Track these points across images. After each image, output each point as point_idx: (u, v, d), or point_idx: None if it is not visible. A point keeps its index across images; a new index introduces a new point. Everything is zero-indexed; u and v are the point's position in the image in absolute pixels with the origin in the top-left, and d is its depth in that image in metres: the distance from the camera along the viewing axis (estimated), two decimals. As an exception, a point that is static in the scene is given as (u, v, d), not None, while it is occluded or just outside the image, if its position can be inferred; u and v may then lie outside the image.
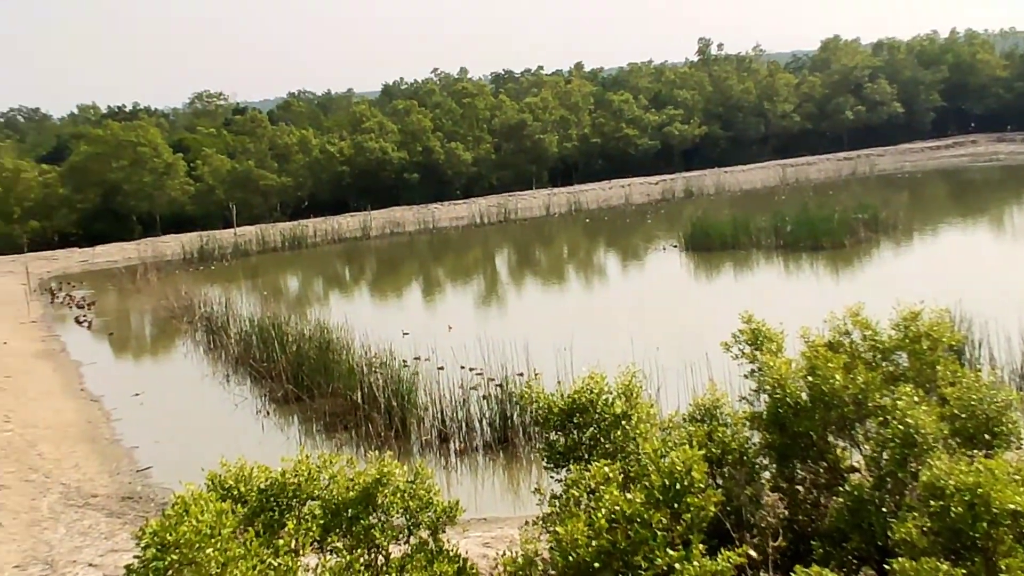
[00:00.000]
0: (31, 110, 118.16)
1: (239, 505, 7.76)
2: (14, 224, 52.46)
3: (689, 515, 8.08)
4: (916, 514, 8.38)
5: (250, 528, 7.62)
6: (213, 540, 7.01)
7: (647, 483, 8.13)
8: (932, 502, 8.20)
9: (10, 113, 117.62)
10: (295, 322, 29.37)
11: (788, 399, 9.29)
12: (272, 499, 7.84)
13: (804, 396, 9.30)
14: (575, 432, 9.42)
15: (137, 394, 25.75)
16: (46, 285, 46.19)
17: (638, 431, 9.13)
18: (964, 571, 7.80)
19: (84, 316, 37.67)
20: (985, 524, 7.96)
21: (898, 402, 8.68)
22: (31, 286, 44.28)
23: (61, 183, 55.20)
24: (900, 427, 8.53)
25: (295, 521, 7.70)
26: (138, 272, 47.33)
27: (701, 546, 7.88)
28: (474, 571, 8.27)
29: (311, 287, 48.77)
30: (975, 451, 8.74)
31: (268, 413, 23.67)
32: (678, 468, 8.22)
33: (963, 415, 8.90)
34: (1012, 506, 7.70)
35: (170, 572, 6.98)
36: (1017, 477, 8.22)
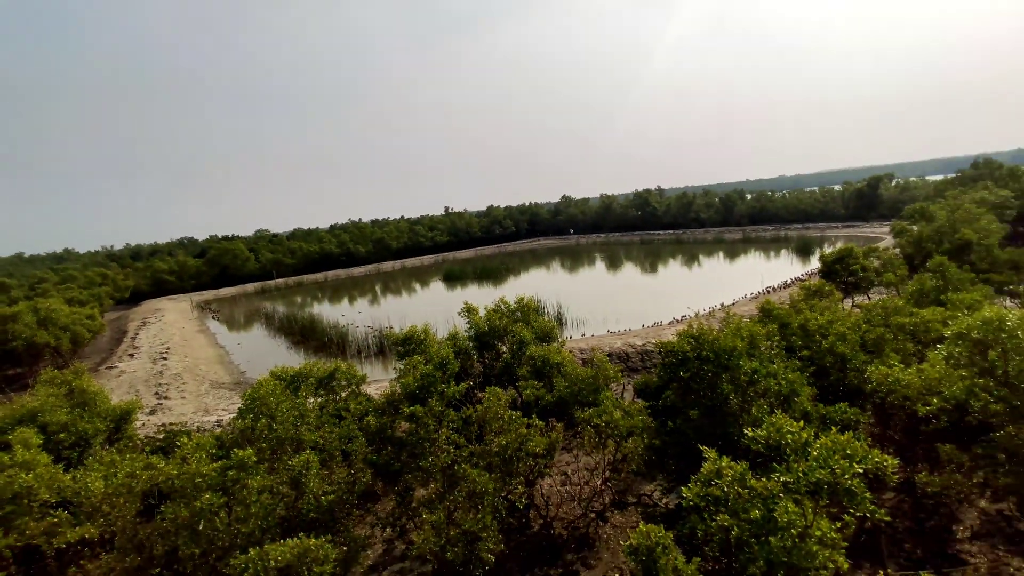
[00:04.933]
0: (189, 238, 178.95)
1: (281, 382, 13.32)
2: (184, 282, 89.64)
3: (452, 368, 14.97)
4: (527, 367, 16.22)
5: (288, 389, 13.20)
6: (272, 396, 12.65)
7: (434, 362, 15.00)
8: (531, 361, 16.13)
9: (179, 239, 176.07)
10: (301, 311, 52.65)
11: (481, 327, 17.01)
12: (296, 378, 13.44)
13: (485, 325, 17.01)
14: (404, 345, 15.98)
15: (239, 344, 41.48)
16: (199, 304, 73.53)
17: (425, 345, 15.80)
18: (541, 383, 15.64)
19: (215, 315, 62.58)
20: (549, 367, 15.94)
21: (517, 326, 16.52)
22: (193, 304, 72.61)
23: (204, 264, 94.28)
24: (519, 335, 16.38)
25: (304, 385, 13.47)
26: (236, 297, 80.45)
27: (453, 382, 14.80)
28: (373, 401, 14.48)
29: (341, 295, 75.39)
30: (544, 343, 16.88)
31: (292, 347, 38.64)
32: (444, 353, 15.17)
33: (540, 332, 17.05)
34: (558, 360, 15.76)
35: (255, 410, 12.54)
36: (562, 351, 16.33)
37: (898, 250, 37.74)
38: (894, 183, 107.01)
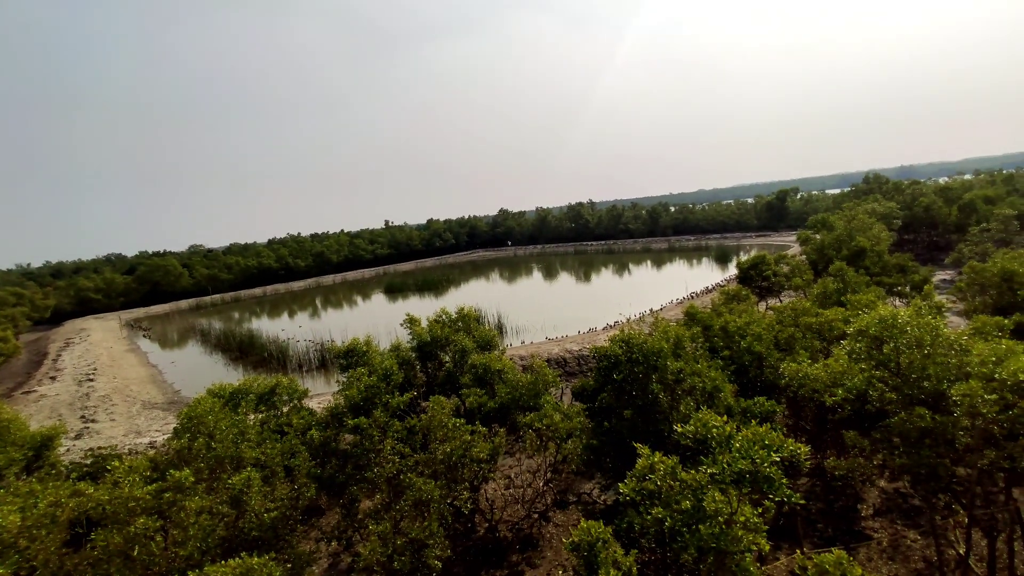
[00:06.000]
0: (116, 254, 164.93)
1: (219, 399, 12.63)
2: (112, 300, 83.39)
3: (396, 379, 14.69)
4: (469, 375, 16.10)
5: (227, 406, 12.55)
6: (209, 414, 11.98)
7: (378, 373, 14.65)
8: (474, 369, 16.03)
9: (108, 255, 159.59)
10: (239, 326, 50.04)
11: (421, 339, 16.83)
12: (235, 395, 12.78)
13: (427, 336, 16.87)
14: (347, 358, 15.59)
15: (173, 362, 39.75)
16: (128, 323, 68.66)
17: (368, 357, 15.44)
18: (483, 391, 15.57)
19: (146, 333, 58.58)
20: (491, 374, 15.92)
21: (459, 335, 16.47)
22: (121, 323, 67.73)
23: (134, 281, 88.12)
24: (460, 344, 16.36)
25: (244, 402, 12.83)
26: (168, 314, 75.95)
27: (397, 392, 14.52)
28: (315, 415, 13.96)
29: (282, 307, 74.77)
30: (486, 351, 16.91)
31: (230, 363, 36.68)
32: (387, 364, 14.89)
33: (481, 340, 17.05)
34: (499, 367, 15.77)
35: (191, 429, 11.84)
36: (502, 358, 16.46)
37: (804, 257, 40.17)
38: (799, 196, 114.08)
